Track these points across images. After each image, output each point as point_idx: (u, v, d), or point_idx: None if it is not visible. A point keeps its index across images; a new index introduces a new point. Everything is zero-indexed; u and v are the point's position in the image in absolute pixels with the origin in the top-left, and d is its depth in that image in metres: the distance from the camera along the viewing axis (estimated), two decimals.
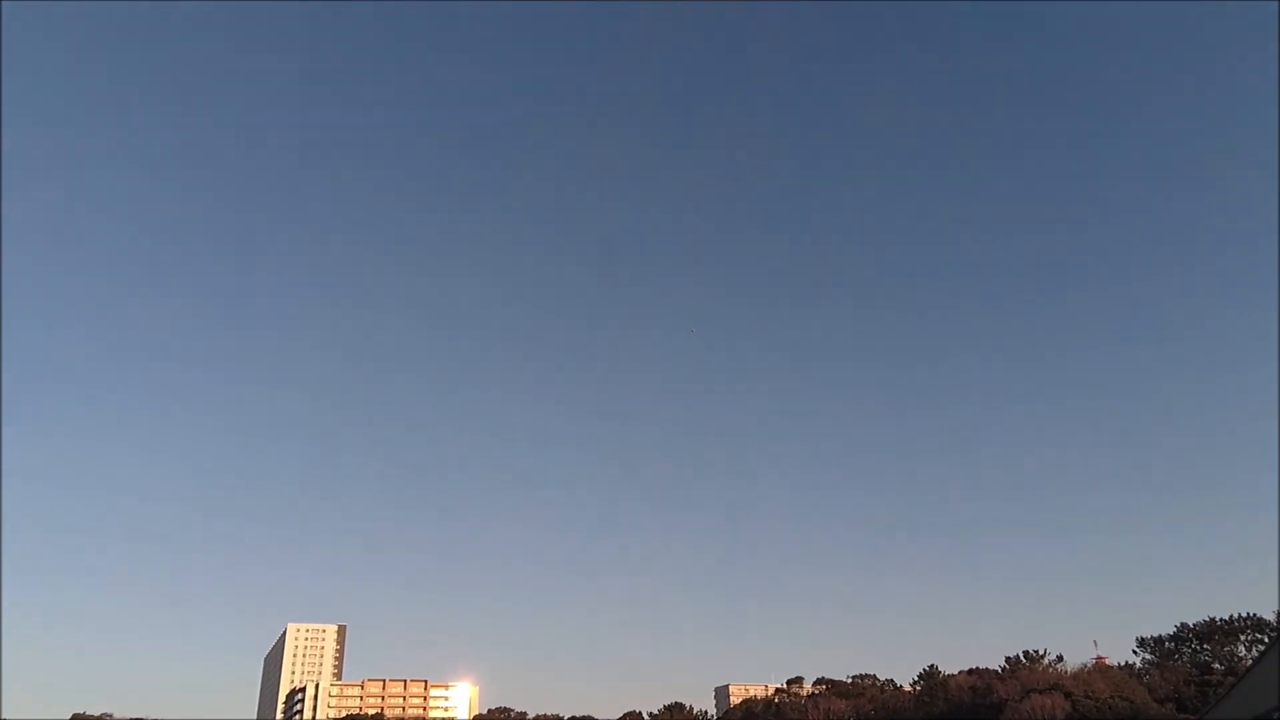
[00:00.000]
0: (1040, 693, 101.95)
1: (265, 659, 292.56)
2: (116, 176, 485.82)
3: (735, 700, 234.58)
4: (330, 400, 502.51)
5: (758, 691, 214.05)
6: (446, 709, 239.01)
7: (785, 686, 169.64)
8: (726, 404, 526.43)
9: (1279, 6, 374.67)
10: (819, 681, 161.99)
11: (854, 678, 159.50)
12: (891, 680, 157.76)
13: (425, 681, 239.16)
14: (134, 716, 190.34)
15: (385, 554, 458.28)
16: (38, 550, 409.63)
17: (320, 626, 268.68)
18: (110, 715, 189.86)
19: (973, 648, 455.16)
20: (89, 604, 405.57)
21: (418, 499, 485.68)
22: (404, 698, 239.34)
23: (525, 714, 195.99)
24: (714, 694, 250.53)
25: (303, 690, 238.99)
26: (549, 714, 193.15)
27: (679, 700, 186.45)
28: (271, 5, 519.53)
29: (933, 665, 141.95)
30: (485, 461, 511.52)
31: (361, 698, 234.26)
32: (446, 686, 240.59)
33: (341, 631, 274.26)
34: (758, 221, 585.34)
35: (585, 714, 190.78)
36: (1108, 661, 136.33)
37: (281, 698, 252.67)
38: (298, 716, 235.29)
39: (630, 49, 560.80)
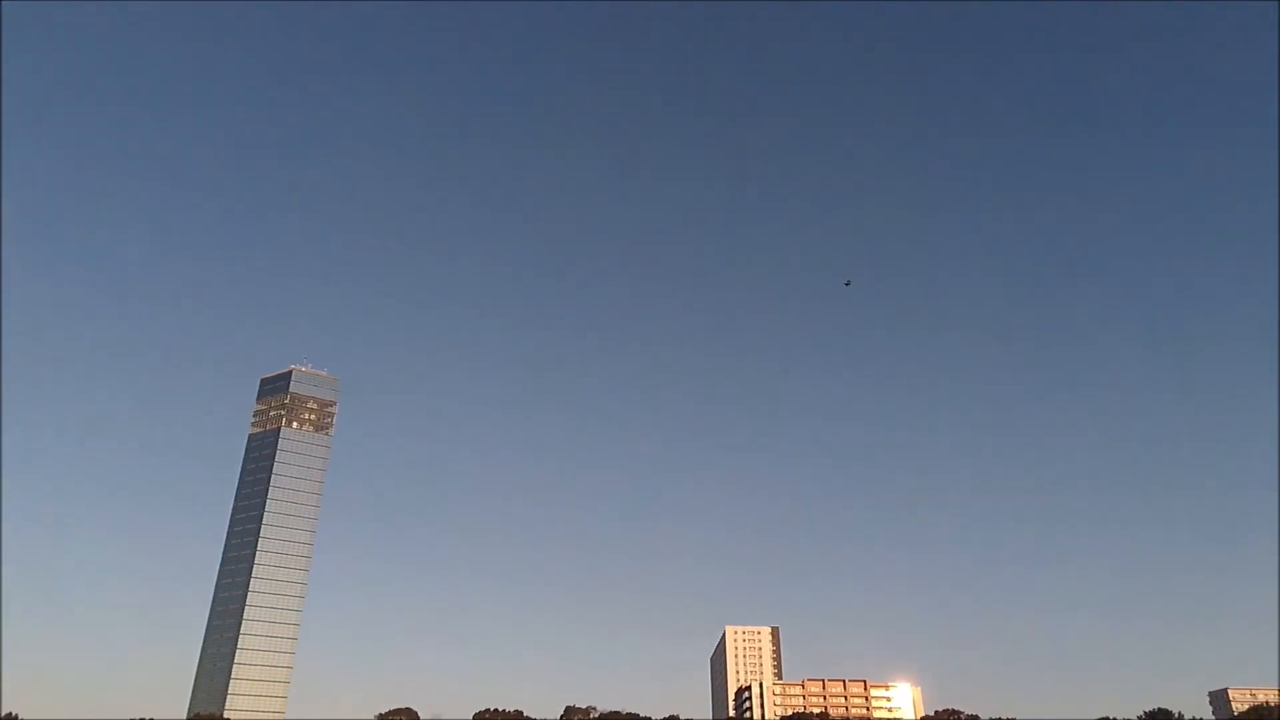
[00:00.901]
0: None
1: (711, 659, 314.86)
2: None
3: (1238, 707, 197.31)
4: (755, 410, 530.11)
5: (1268, 697, 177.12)
6: (890, 709, 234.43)
7: None
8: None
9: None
10: None
11: None
12: None
13: (864, 681, 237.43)
14: (613, 710, 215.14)
15: (813, 557, 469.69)
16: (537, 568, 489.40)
17: (755, 629, 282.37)
18: (593, 708, 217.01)
19: None
20: (576, 614, 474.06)
21: (837, 499, 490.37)
22: (845, 697, 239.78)
23: (977, 717, 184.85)
24: (1209, 699, 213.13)
25: (748, 689, 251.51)
26: (1006, 718, 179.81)
27: (1163, 706, 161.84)
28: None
29: None
30: (912, 453, 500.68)
31: (804, 697, 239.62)
32: (887, 686, 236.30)
33: (775, 633, 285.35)
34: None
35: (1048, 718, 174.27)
36: None
37: (730, 696, 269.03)
38: (748, 714, 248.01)
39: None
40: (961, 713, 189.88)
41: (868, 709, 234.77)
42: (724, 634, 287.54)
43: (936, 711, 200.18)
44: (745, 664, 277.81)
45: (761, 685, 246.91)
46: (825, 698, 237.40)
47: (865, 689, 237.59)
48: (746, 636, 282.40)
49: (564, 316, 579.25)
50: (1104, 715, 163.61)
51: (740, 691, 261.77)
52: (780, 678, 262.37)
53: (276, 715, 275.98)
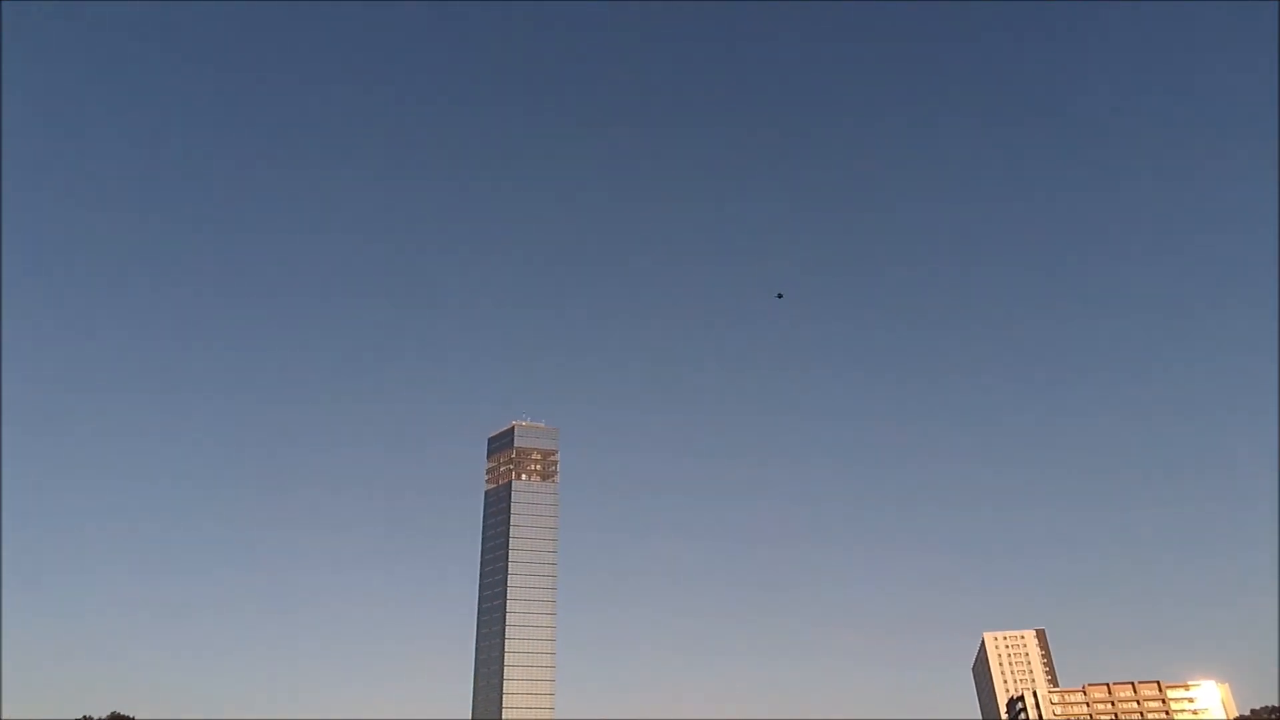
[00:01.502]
0: None
1: (972, 669, 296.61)
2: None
3: None
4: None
5: None
6: (1195, 711, 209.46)
7: None
8: None
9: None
10: None
11: None
12: None
13: (1158, 682, 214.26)
14: (871, 718, 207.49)
15: (1079, 555, 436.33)
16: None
17: (1018, 633, 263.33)
18: None
19: None
20: (820, 639, 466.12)
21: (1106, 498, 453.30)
22: (1137, 701, 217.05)
23: None
24: None
25: (1021, 699, 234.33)
26: None
27: None
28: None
29: None
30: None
31: (1087, 703, 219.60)
32: (1186, 686, 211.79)
33: (1041, 635, 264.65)
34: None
35: None
36: None
37: (1001, 706, 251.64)
38: None
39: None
40: None
41: (1167, 712, 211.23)
42: (982, 641, 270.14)
43: (1253, 710, 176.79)
44: (1012, 671, 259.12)
45: (1035, 693, 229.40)
46: (1114, 703, 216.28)
47: (1160, 690, 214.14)
48: (1008, 642, 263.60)
49: (759, 348, 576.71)
50: None
51: (1013, 702, 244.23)
52: (1055, 684, 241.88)
53: None
